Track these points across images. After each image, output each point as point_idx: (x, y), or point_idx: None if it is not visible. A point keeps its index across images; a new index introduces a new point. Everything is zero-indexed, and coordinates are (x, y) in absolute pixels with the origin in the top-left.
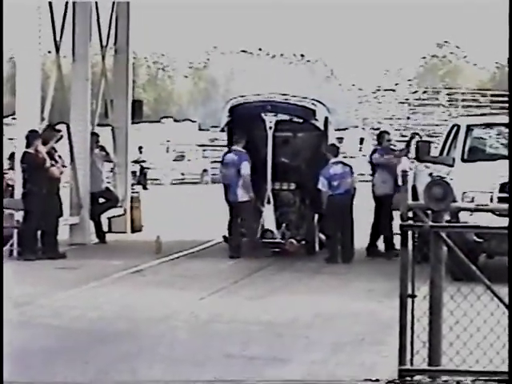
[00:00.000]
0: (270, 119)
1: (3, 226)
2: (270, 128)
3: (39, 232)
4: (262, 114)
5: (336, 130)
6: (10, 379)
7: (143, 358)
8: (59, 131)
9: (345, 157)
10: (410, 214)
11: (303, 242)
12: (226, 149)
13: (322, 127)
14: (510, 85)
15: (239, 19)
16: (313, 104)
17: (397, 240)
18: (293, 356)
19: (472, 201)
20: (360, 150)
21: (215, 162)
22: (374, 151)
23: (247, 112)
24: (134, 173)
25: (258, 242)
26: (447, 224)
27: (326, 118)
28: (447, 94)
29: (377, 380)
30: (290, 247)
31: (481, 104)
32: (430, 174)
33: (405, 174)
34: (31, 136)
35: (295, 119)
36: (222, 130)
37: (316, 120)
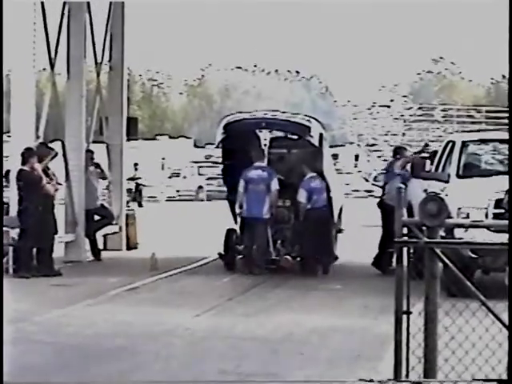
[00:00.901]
0: (264, 136)
1: None
2: (265, 145)
3: (34, 249)
4: (257, 131)
5: (331, 147)
6: (10, 380)
7: (138, 374)
8: (52, 149)
9: (340, 173)
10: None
11: (298, 259)
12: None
13: (317, 144)
14: (509, 89)
15: (234, 36)
16: (308, 121)
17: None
18: (288, 372)
19: (467, 217)
20: (355, 167)
21: (210, 178)
22: (391, 164)
23: (242, 129)
24: (129, 190)
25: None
26: (442, 240)
27: (321, 135)
28: (442, 110)
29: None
30: (285, 264)
31: (476, 120)
32: (425, 190)
33: (399, 189)
34: (26, 153)
35: (290, 136)
36: (217, 147)
37: (311, 136)
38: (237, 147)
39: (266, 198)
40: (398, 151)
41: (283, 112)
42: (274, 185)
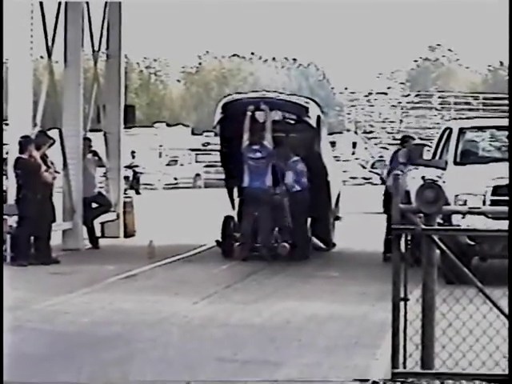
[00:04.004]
0: (262, 119)
1: None
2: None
3: (32, 237)
4: (255, 114)
5: (329, 134)
6: (10, 379)
7: (136, 361)
8: (50, 137)
9: (338, 160)
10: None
11: (296, 246)
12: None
13: (314, 125)
14: (509, 83)
15: (231, 23)
16: (306, 102)
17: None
18: (285, 359)
19: (464, 204)
20: (353, 154)
21: (208, 166)
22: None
23: (240, 109)
24: (126, 178)
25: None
26: (439, 227)
27: (319, 117)
28: (439, 97)
29: (373, 381)
30: (282, 251)
31: (473, 107)
32: (423, 177)
33: (396, 177)
34: (24, 141)
35: (288, 120)
36: (215, 128)
37: (309, 117)
38: (235, 127)
39: (267, 171)
40: (407, 139)
41: (281, 93)
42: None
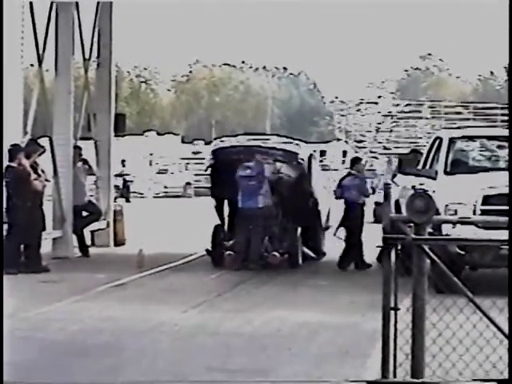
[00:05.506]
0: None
1: None
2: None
3: (22, 246)
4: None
5: (319, 143)
6: (10, 379)
7: (125, 370)
8: (42, 146)
9: (327, 169)
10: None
11: (286, 256)
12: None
13: (305, 169)
14: (509, 90)
15: (222, 32)
16: (296, 145)
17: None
18: (276, 368)
19: (455, 213)
20: (343, 163)
21: (198, 174)
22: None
23: (229, 156)
24: (116, 186)
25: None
26: (430, 237)
27: (310, 156)
28: (430, 107)
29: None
30: (272, 260)
31: (463, 117)
32: (413, 187)
33: (387, 186)
34: (14, 150)
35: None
36: (206, 170)
37: (299, 163)
38: (224, 174)
39: (259, 190)
40: (356, 160)
41: (270, 135)
42: (267, 172)
